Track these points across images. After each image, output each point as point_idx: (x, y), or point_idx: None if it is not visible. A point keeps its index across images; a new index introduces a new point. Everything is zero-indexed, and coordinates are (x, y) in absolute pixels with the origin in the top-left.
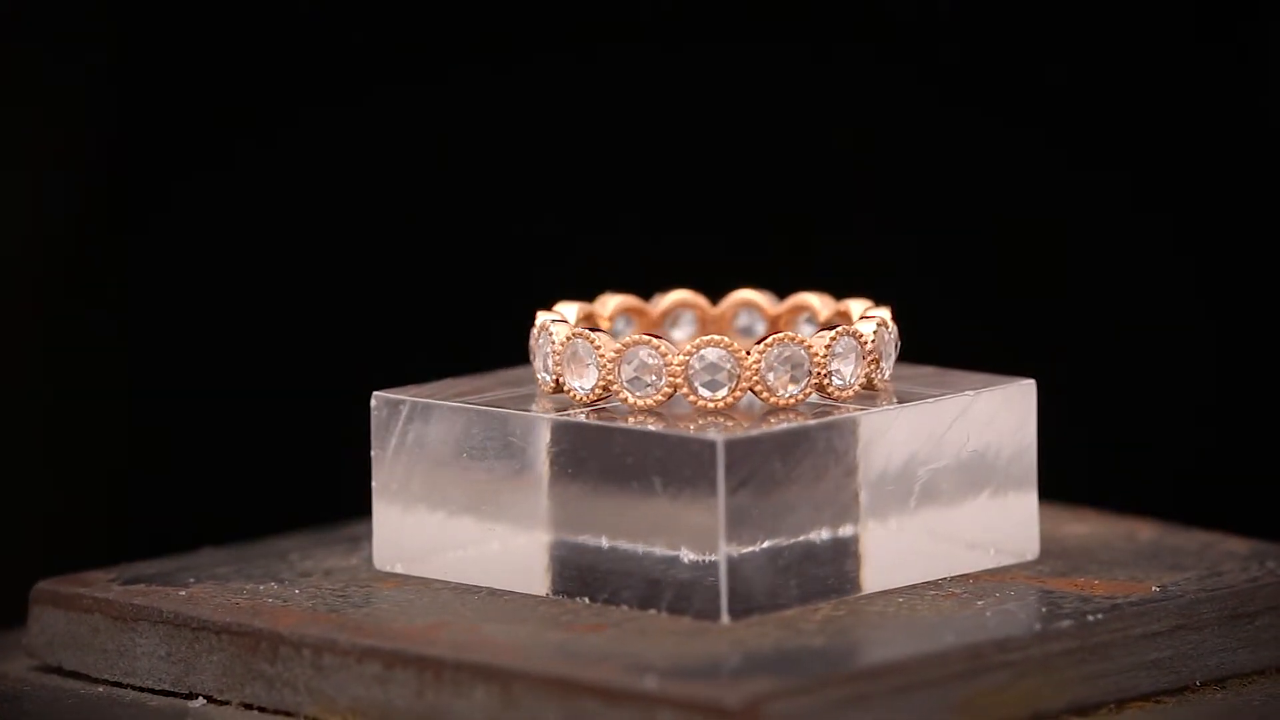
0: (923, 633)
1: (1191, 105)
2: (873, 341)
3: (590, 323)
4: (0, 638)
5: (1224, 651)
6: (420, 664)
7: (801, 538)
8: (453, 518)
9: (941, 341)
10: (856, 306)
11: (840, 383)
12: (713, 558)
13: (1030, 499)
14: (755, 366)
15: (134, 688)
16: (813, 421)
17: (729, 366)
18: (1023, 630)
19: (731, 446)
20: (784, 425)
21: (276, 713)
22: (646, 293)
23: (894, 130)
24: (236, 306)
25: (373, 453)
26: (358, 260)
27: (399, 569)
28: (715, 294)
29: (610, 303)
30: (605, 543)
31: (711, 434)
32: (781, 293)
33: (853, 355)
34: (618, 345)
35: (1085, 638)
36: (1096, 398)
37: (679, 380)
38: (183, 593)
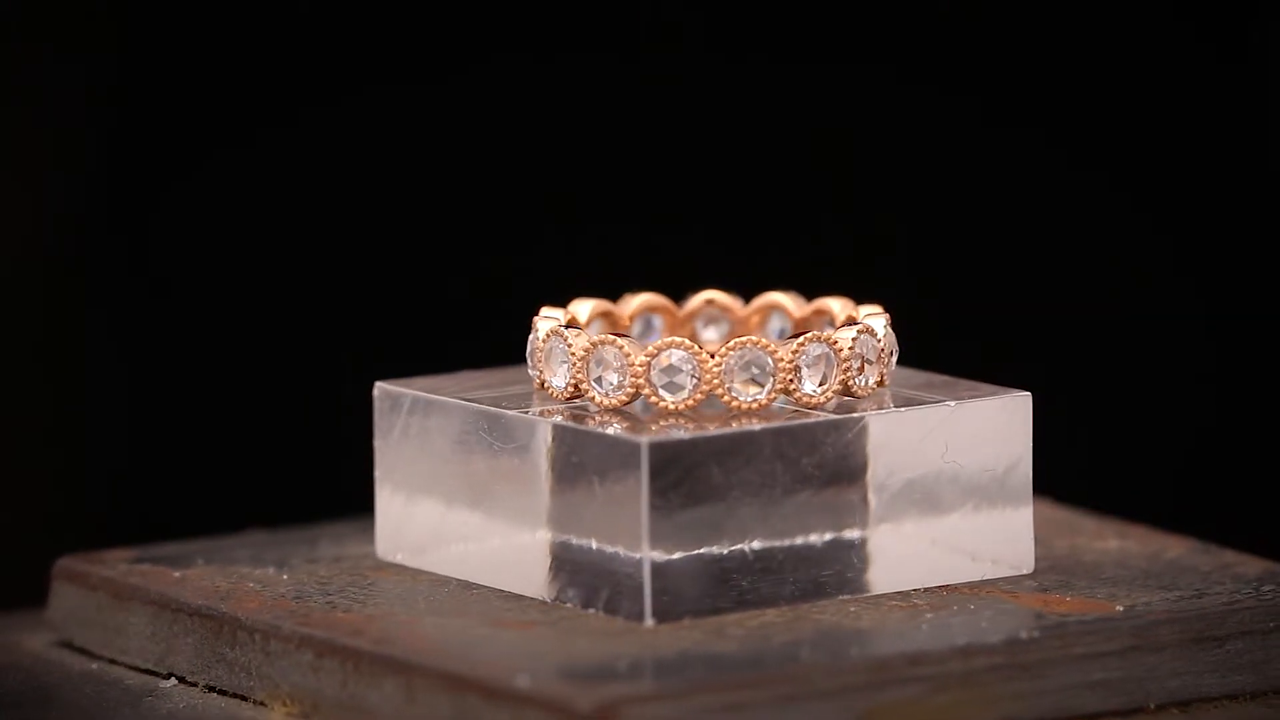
0: (838, 643)
1: (1191, 106)
2: (850, 348)
3: (610, 321)
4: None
5: (1188, 674)
6: (343, 654)
7: (744, 545)
8: (443, 512)
9: (987, 352)
10: (868, 312)
11: (812, 389)
12: (640, 559)
13: (1025, 512)
14: (716, 370)
15: (125, 665)
16: (757, 427)
17: (689, 369)
18: (944, 645)
19: (657, 449)
20: (723, 430)
21: (234, 696)
22: (678, 293)
23: (915, 137)
24: (242, 303)
25: (375, 443)
26: (386, 254)
27: (400, 559)
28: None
29: (634, 301)
30: (557, 540)
31: (639, 435)
32: (815, 295)
33: (823, 362)
34: (586, 344)
35: (1013, 654)
36: (1142, 412)
37: (641, 381)
38: (177, 574)
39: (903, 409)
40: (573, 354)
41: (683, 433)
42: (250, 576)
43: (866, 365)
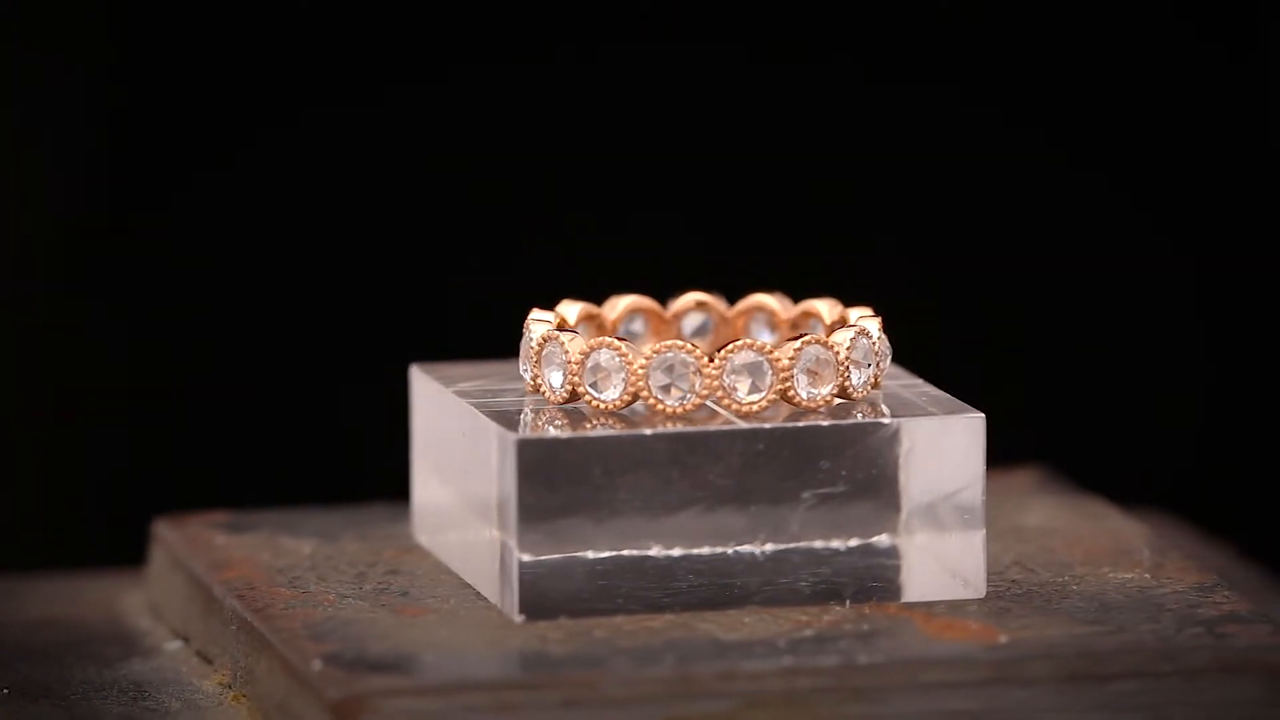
0: (664, 653)
1: (1188, 106)
2: (790, 359)
3: (653, 316)
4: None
5: (1068, 712)
6: (248, 630)
7: (632, 550)
8: (444, 500)
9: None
10: (854, 322)
11: (742, 397)
12: (515, 554)
13: (976, 535)
14: (640, 373)
15: (169, 628)
16: (648, 431)
17: (617, 369)
18: (771, 663)
19: (528, 447)
20: (608, 432)
21: (207, 661)
22: (732, 294)
23: (915, 138)
24: (247, 302)
25: (412, 424)
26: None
27: (423, 542)
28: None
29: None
30: (486, 536)
31: (517, 432)
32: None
33: (749, 370)
34: (540, 338)
35: (844, 678)
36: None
37: (577, 380)
38: (220, 541)
39: (827, 422)
40: (532, 348)
41: (566, 432)
42: (278, 548)
43: (814, 378)
